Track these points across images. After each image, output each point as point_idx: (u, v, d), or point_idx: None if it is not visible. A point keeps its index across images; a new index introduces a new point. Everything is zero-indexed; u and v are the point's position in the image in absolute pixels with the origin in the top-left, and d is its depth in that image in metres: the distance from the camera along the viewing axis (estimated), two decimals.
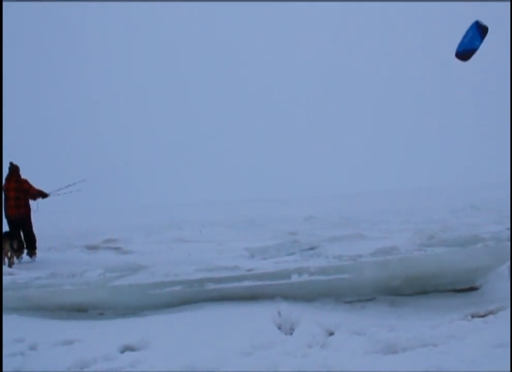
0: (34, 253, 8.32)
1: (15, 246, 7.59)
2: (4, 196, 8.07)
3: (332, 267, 4.34)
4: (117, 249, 9.24)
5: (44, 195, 8.48)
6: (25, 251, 8.31)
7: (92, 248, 9.50)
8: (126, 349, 3.38)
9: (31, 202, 8.43)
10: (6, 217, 8.06)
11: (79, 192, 9.50)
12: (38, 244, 8.56)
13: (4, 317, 4.11)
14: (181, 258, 7.16)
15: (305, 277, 4.25)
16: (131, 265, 5.21)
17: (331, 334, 3.53)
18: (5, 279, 5.31)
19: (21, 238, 8.24)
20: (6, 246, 7.32)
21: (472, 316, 3.63)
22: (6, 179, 8.09)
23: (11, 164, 8.11)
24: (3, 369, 3.12)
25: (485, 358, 2.78)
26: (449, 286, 4.31)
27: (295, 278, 4.26)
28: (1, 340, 3.51)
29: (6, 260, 7.38)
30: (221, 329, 3.62)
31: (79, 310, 4.47)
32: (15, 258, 7.70)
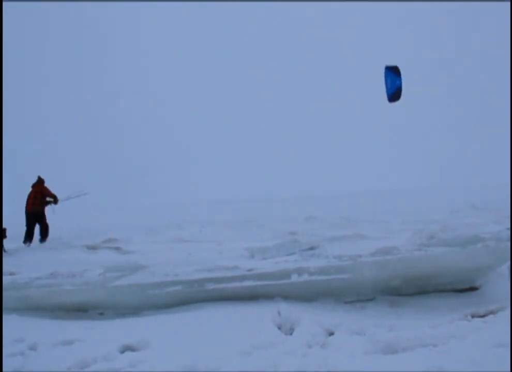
0: (45, 240, 10.48)
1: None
2: (28, 196, 10.71)
3: (332, 267, 4.34)
4: (117, 249, 9.21)
5: (55, 199, 10.90)
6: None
7: (92, 248, 9.47)
8: (126, 349, 3.38)
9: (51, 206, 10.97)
10: (26, 212, 10.58)
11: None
12: (38, 244, 10.23)
13: (4, 317, 4.11)
14: (181, 258, 7.14)
15: (305, 277, 4.25)
16: (131, 265, 5.21)
17: (331, 334, 3.53)
18: (5, 279, 5.31)
19: None
20: None
21: (472, 316, 3.63)
22: (33, 185, 10.82)
23: (39, 177, 10.93)
24: (3, 369, 3.12)
25: (485, 358, 2.78)
26: (449, 286, 4.31)
27: (294, 278, 4.26)
28: (1, 340, 3.51)
29: None
30: (221, 329, 3.61)
31: (79, 310, 4.46)
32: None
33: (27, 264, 7.74)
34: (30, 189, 10.89)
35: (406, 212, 15.84)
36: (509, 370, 2.61)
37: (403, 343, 3.14)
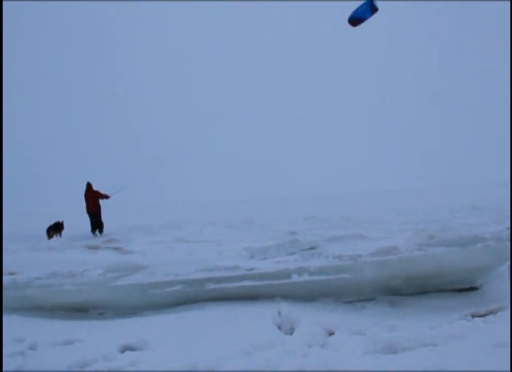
0: (102, 233, 13.34)
1: (54, 232, 12.80)
2: (86, 201, 13.59)
3: (332, 267, 4.34)
4: (117, 249, 9.22)
5: (107, 197, 13.75)
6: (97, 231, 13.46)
7: (92, 248, 9.49)
8: (126, 348, 3.38)
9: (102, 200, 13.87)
10: (87, 212, 13.56)
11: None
12: (39, 244, 10.78)
13: (4, 317, 4.11)
14: (181, 258, 7.14)
15: (305, 277, 4.25)
16: (131, 265, 5.21)
17: (331, 333, 3.53)
18: (5, 279, 5.32)
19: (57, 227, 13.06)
20: (51, 231, 12.80)
21: (473, 316, 3.63)
22: (86, 191, 13.58)
23: (88, 182, 13.66)
24: (3, 369, 3.12)
25: (485, 358, 2.78)
26: (449, 286, 4.30)
27: (295, 278, 4.26)
28: (1, 340, 3.51)
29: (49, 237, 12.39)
30: (221, 329, 3.61)
31: (79, 310, 4.47)
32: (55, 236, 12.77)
33: (27, 264, 7.75)
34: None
35: (406, 212, 15.83)
36: (509, 370, 2.61)
37: (403, 343, 3.14)
